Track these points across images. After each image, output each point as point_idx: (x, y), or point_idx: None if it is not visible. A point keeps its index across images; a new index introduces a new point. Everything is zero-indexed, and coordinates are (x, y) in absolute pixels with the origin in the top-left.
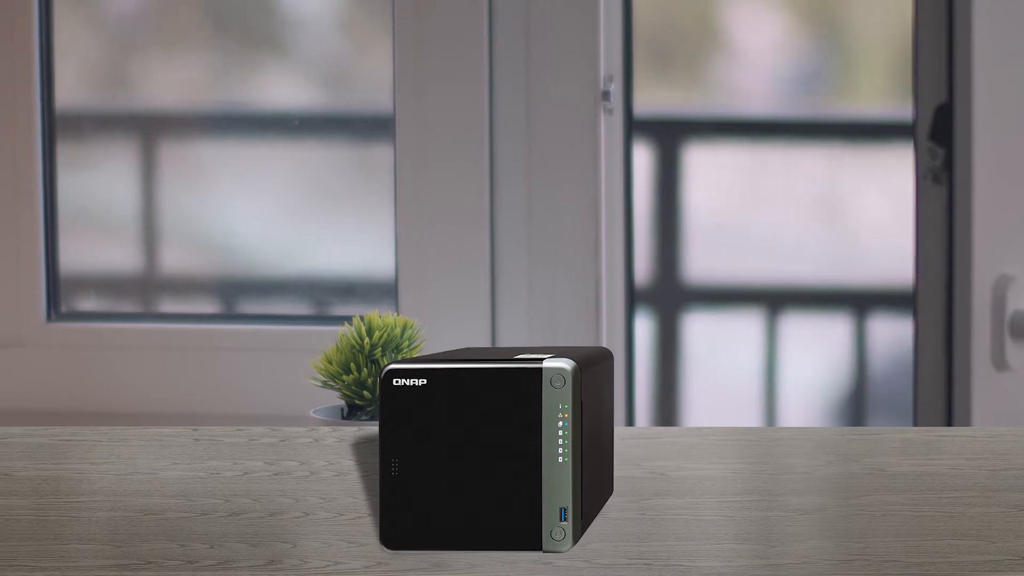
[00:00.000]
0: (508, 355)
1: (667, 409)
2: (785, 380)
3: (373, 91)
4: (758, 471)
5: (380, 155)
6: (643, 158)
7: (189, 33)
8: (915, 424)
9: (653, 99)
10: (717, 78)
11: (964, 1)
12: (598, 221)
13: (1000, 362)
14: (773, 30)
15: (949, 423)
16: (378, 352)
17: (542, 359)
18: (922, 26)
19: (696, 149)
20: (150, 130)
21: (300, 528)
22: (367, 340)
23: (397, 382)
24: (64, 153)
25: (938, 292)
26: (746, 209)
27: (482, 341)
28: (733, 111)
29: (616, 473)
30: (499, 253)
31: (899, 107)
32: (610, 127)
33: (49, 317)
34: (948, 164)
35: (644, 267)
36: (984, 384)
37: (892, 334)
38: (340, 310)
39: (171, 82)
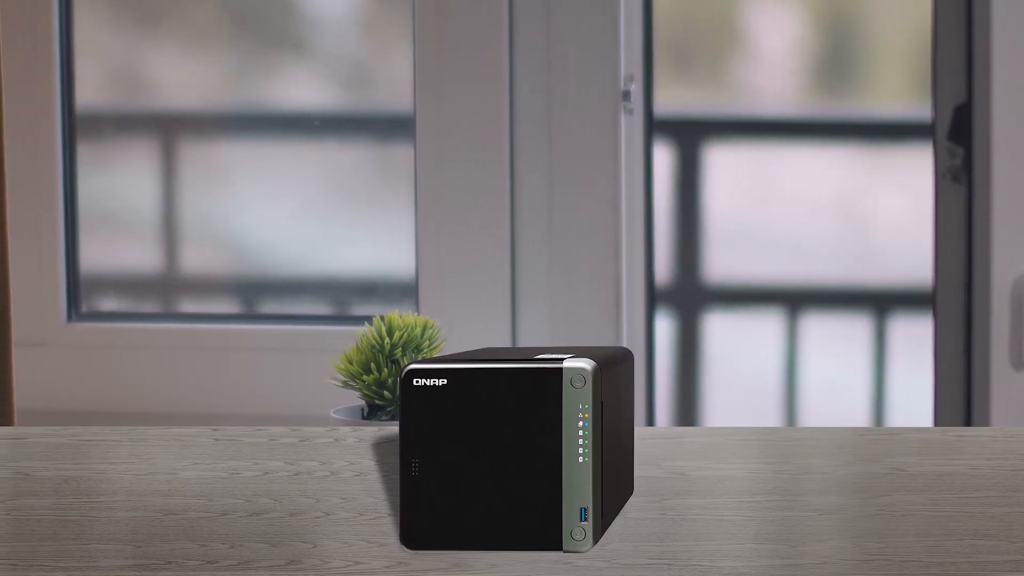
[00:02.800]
0: (528, 355)
1: (687, 409)
2: (805, 380)
3: (393, 91)
4: (778, 471)
5: (400, 155)
6: (663, 158)
7: (209, 33)
8: (935, 424)
9: (673, 99)
10: (737, 78)
11: (983, 0)
12: (618, 221)
13: (1019, 361)
14: (792, 30)
15: (968, 423)
16: (398, 352)
17: (562, 359)
18: (941, 25)
19: (716, 149)
20: (170, 130)
21: (320, 528)
22: (387, 340)
23: (417, 382)
24: (84, 154)
25: (957, 292)
26: (766, 209)
27: (502, 341)
28: (753, 111)
29: (636, 473)
30: (519, 253)
31: (918, 107)
32: (630, 127)
33: (69, 317)
34: (967, 164)
35: (664, 267)
36: (1003, 383)
37: (911, 334)
38: (360, 310)
39: (191, 82)
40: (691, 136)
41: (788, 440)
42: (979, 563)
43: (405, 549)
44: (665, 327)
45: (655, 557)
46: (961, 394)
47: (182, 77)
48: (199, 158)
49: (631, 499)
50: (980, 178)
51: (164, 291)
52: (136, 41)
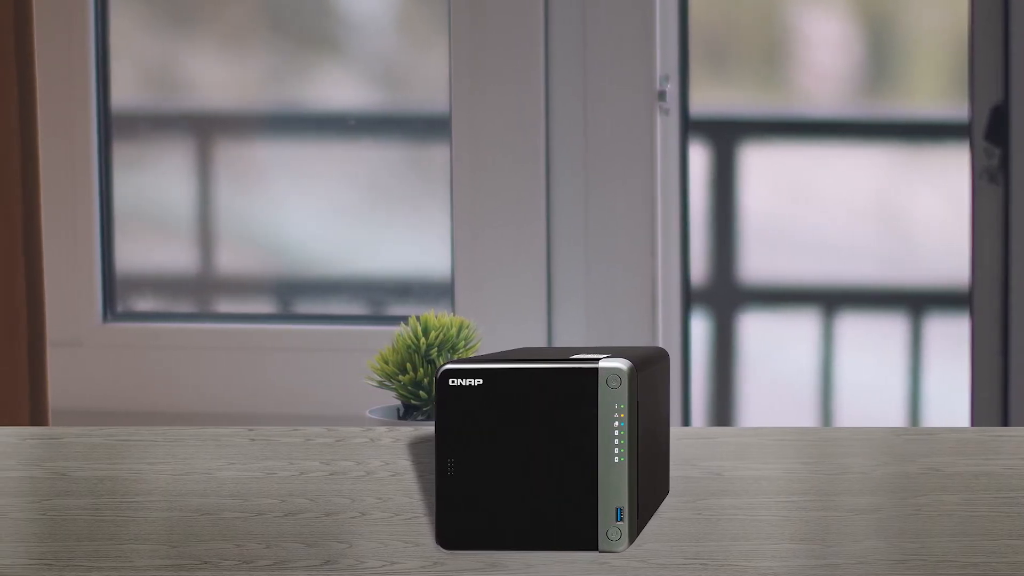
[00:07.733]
0: (564, 355)
1: (723, 409)
2: (841, 380)
3: (429, 91)
4: (814, 471)
5: (436, 155)
6: (699, 158)
7: (245, 33)
8: (972, 424)
9: (709, 99)
10: (773, 78)
11: (1020, 1)
12: (654, 221)
13: None
14: (829, 30)
15: (1005, 423)
16: (434, 352)
17: (598, 359)
18: (978, 25)
19: (752, 149)
20: (206, 130)
21: (356, 528)
22: (423, 340)
23: (453, 382)
24: (120, 153)
25: (994, 292)
26: (802, 209)
27: (538, 341)
28: (789, 111)
29: (672, 473)
30: (555, 253)
31: (955, 107)
32: (666, 127)
33: (105, 317)
34: (1004, 164)
35: (700, 267)
36: None
37: (948, 334)
38: (396, 310)
39: (227, 82)
40: (727, 136)
41: (824, 440)
42: (1016, 563)
43: (441, 549)
44: (701, 327)
45: (691, 557)
46: (998, 394)
47: (218, 77)
48: (235, 158)
49: (667, 499)
50: (1017, 178)
51: (200, 291)
52: (172, 41)
